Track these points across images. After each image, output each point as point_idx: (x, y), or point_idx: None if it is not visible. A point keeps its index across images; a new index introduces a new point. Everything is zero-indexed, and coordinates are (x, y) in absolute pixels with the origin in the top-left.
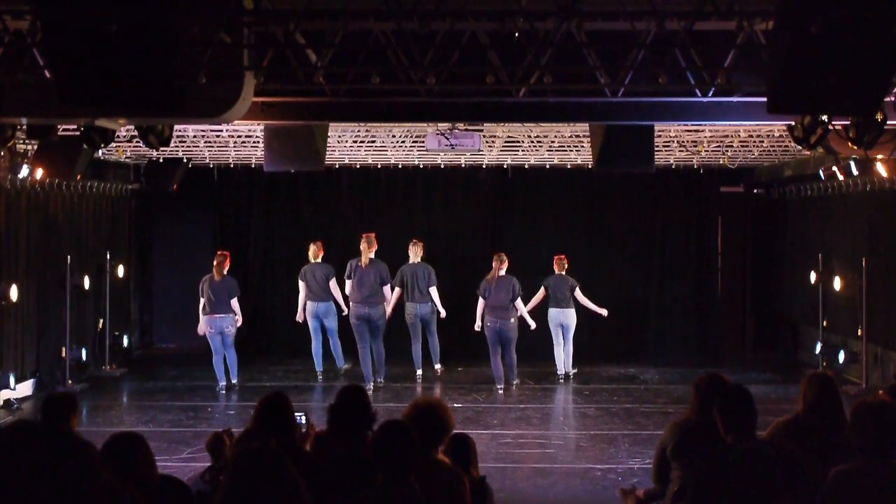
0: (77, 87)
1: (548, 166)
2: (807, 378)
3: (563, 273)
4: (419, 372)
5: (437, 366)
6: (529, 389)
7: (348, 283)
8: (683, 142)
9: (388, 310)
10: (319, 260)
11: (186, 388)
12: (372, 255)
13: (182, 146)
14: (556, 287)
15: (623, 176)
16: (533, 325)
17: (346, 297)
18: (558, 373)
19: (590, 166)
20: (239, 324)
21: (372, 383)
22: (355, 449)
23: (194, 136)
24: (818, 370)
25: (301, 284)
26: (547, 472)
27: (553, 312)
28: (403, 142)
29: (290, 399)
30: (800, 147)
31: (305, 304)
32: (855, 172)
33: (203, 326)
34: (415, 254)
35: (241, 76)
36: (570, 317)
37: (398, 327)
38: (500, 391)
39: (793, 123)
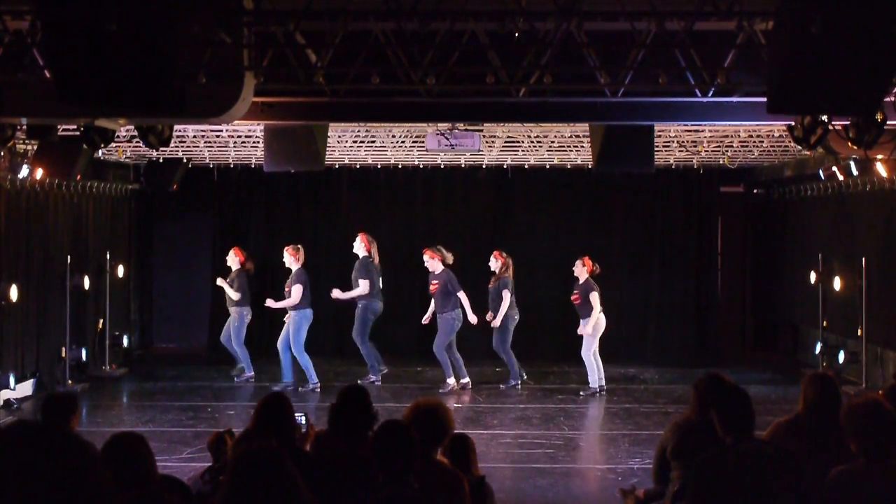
0: (77, 87)
1: (548, 166)
2: (807, 378)
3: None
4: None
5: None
6: (529, 389)
7: (365, 282)
8: (683, 142)
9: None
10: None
11: (186, 388)
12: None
13: (182, 146)
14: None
15: (623, 176)
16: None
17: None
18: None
19: (590, 166)
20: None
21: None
22: (355, 449)
23: (194, 136)
24: (818, 370)
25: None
26: (547, 472)
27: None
28: (403, 142)
29: (290, 399)
30: (800, 147)
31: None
32: (855, 172)
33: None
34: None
35: (241, 76)
36: None
37: (401, 328)
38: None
39: (793, 123)
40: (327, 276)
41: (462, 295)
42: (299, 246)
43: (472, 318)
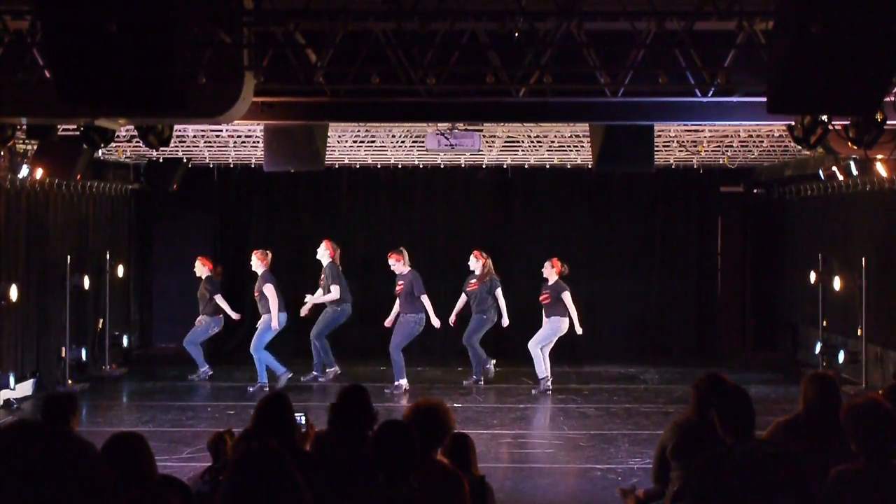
0: (77, 87)
1: (548, 166)
2: (807, 378)
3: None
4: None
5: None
6: (529, 389)
7: (337, 287)
8: (683, 142)
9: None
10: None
11: (186, 388)
12: None
13: (182, 146)
14: None
15: (623, 176)
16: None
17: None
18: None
19: (590, 166)
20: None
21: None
22: (355, 449)
23: (194, 136)
24: (818, 370)
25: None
26: (547, 472)
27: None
28: (403, 142)
29: (290, 399)
30: (800, 147)
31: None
32: (855, 172)
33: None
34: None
35: (241, 76)
36: None
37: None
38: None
39: (793, 123)
40: None
41: (425, 299)
42: (268, 251)
43: (435, 322)
